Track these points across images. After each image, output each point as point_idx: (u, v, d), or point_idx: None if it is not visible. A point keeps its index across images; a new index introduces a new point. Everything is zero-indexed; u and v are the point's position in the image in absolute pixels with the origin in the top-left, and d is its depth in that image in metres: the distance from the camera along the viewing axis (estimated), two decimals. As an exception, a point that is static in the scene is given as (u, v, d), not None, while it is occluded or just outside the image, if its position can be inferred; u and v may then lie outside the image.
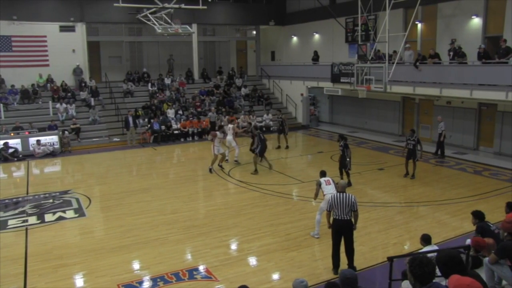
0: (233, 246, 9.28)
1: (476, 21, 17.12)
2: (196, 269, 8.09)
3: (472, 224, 7.63)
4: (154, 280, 7.67)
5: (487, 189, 12.74)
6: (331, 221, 7.88)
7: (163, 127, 21.43)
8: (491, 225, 7.31)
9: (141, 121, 21.70)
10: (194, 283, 7.58)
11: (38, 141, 18.49)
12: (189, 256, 8.79)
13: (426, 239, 7.05)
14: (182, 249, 9.08)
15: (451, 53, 16.36)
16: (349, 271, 4.76)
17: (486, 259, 6.29)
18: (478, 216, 7.42)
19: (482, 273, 6.17)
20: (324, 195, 9.24)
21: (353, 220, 7.73)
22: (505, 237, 6.22)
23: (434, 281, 3.88)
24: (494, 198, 11.67)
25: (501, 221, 7.33)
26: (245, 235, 9.70)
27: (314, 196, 9.80)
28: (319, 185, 9.46)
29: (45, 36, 22.79)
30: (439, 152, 16.83)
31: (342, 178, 12.81)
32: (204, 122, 22.08)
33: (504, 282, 6.25)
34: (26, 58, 22.33)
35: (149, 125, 21.39)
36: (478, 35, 16.94)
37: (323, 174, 9.84)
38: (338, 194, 7.76)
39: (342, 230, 7.67)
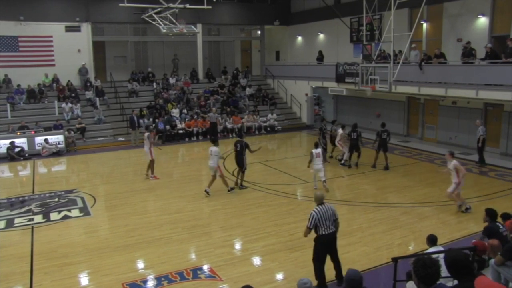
0: (237, 246, 9.29)
1: (483, 21, 17.03)
2: (200, 269, 8.10)
3: (483, 221, 7.52)
4: (158, 279, 7.69)
5: (493, 190, 12.66)
6: (317, 238, 7.26)
7: (167, 127, 21.48)
8: (501, 227, 7.13)
9: (145, 120, 21.73)
10: (198, 283, 7.60)
11: (46, 139, 18.64)
12: (193, 256, 8.81)
13: (432, 240, 7.01)
14: (186, 248, 9.10)
15: (466, 53, 16.08)
16: (354, 272, 4.69)
17: (492, 261, 6.25)
18: (490, 214, 7.27)
19: (488, 274, 6.13)
20: (313, 164, 12.42)
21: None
22: (511, 238, 6.18)
23: (439, 282, 3.87)
24: (499, 199, 11.59)
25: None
26: (249, 235, 9.71)
27: (308, 163, 12.72)
28: (311, 154, 12.46)
29: (51, 36, 22.91)
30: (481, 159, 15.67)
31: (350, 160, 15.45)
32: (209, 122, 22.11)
33: (511, 284, 6.21)
34: (32, 58, 22.47)
35: (153, 125, 21.43)
36: (484, 35, 16.85)
37: (315, 145, 12.76)
38: (319, 208, 7.16)
39: (330, 244, 7.23)
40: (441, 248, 6.99)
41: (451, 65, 16.57)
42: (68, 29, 23.33)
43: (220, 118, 22.43)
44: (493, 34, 16.89)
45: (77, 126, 20.50)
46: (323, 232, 7.08)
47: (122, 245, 9.23)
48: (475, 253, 6.39)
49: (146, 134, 14.61)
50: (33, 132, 18.93)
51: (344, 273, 7.53)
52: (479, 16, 17.09)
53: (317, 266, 7.23)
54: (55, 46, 23.04)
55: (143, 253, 8.86)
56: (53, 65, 23.12)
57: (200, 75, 27.07)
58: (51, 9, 22.68)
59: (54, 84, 22.82)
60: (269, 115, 24.13)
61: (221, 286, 7.51)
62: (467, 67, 15.87)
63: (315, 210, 7.16)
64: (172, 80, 25.44)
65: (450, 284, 4.32)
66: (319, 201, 7.30)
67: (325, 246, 7.17)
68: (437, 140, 19.48)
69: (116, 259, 8.58)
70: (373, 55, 18.42)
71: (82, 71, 23.69)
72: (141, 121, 21.17)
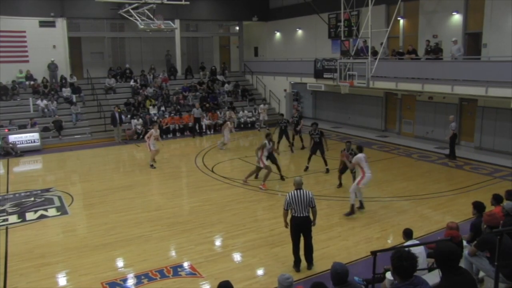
0: (218, 242, 9.29)
1: (457, 18, 17.35)
2: (181, 266, 8.07)
3: (472, 214, 7.59)
4: (138, 277, 7.63)
5: (468, 183, 12.97)
6: (288, 219, 7.80)
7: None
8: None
9: (123, 117, 21.46)
10: (178, 280, 7.57)
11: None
12: (173, 253, 8.76)
13: (407, 234, 7.13)
14: (166, 246, 9.05)
15: (430, 51, 16.78)
16: (340, 265, 4.71)
17: (465, 252, 6.41)
18: (477, 207, 7.36)
19: (462, 265, 6.28)
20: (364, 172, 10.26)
21: (311, 216, 7.72)
22: (484, 229, 6.33)
23: (416, 274, 3.94)
24: (474, 192, 11.88)
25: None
26: (230, 231, 9.71)
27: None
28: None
29: (24, 32, 22.30)
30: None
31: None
32: (186, 118, 22.07)
33: (481, 274, 6.38)
34: (4, 53, 21.74)
35: (131, 122, 21.25)
36: (459, 31, 17.17)
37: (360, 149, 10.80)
38: (295, 191, 7.66)
39: (301, 227, 7.66)
40: (416, 242, 7.13)
41: (427, 61, 16.82)
42: (42, 24, 22.75)
43: (204, 114, 22.43)
44: (467, 31, 17.24)
45: (53, 119, 20.14)
46: (295, 215, 7.62)
47: (101, 244, 9.12)
48: (452, 243, 6.53)
49: (151, 130, 15.60)
50: (6, 130, 18.48)
51: (323, 264, 7.80)
52: (453, 13, 17.40)
53: (293, 246, 7.82)
54: (28, 42, 22.44)
55: (122, 251, 8.77)
56: (27, 61, 22.53)
57: (179, 71, 26.85)
58: (23, 3, 21.98)
59: (27, 82, 22.23)
60: (241, 112, 24.06)
61: (201, 283, 7.50)
62: (442, 63, 16.22)
63: (289, 193, 7.72)
64: (150, 77, 25.10)
65: (425, 277, 4.38)
66: (297, 186, 7.78)
67: (297, 227, 7.67)
68: (414, 135, 19.80)
69: (95, 258, 8.47)
70: (351, 51, 18.57)
71: (52, 67, 23.13)
72: (123, 117, 20.89)
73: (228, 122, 18.98)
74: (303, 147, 17.91)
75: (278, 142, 17.31)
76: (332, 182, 13.39)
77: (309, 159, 14.55)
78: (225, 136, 18.21)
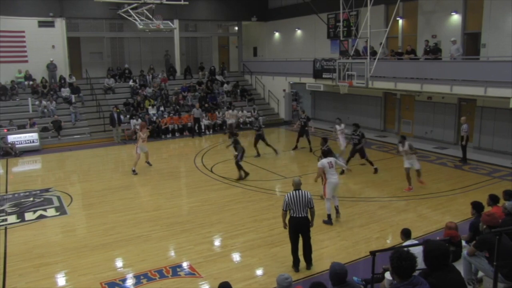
0: (217, 242, 9.28)
1: (456, 18, 17.37)
2: (180, 266, 8.07)
3: (471, 214, 7.62)
4: (137, 277, 7.63)
5: (467, 183, 12.98)
6: (287, 220, 7.76)
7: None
8: None
9: (122, 117, 21.46)
10: (177, 280, 7.56)
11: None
12: (172, 253, 8.76)
13: (406, 234, 7.14)
14: (165, 246, 9.05)
15: (429, 51, 16.82)
16: (339, 265, 4.72)
17: (464, 252, 6.42)
18: (476, 207, 7.37)
19: (461, 265, 6.29)
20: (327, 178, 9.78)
21: (309, 217, 7.70)
22: (484, 229, 6.34)
23: (415, 274, 3.94)
24: (473, 192, 11.90)
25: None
26: (229, 231, 9.71)
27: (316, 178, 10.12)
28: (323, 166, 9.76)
29: (23, 32, 22.29)
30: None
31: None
32: (185, 118, 22.07)
33: (480, 274, 6.39)
34: (3, 54, 21.72)
35: (130, 122, 21.26)
36: (458, 31, 17.19)
37: (325, 153, 10.23)
38: (294, 192, 7.65)
39: (299, 227, 7.65)
40: (415, 242, 7.14)
41: (426, 61, 16.83)
42: (42, 24, 22.73)
43: (204, 114, 22.42)
44: (466, 31, 17.25)
45: (52, 119, 20.12)
46: (293, 215, 7.61)
47: (100, 244, 9.12)
48: (451, 243, 6.55)
49: (139, 133, 14.91)
50: (5, 130, 18.46)
51: (322, 264, 7.82)
52: (452, 13, 17.42)
53: (291, 247, 7.80)
54: (27, 42, 22.43)
55: (121, 251, 8.77)
56: (26, 61, 22.52)
57: (178, 71, 26.85)
58: (23, 3, 21.95)
59: (26, 82, 22.23)
60: (240, 112, 24.01)
61: (201, 283, 7.50)
62: (441, 63, 16.24)
63: (287, 194, 7.70)
64: (149, 77, 25.10)
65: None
66: (295, 186, 7.77)
67: (295, 228, 7.67)
68: (413, 135, 19.80)
69: (94, 258, 8.47)
70: (350, 51, 18.58)
71: (50, 67, 23.11)
72: (122, 117, 20.87)
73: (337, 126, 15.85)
74: (311, 150, 17.51)
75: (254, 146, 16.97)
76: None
77: (348, 161, 13.96)
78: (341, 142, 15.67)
